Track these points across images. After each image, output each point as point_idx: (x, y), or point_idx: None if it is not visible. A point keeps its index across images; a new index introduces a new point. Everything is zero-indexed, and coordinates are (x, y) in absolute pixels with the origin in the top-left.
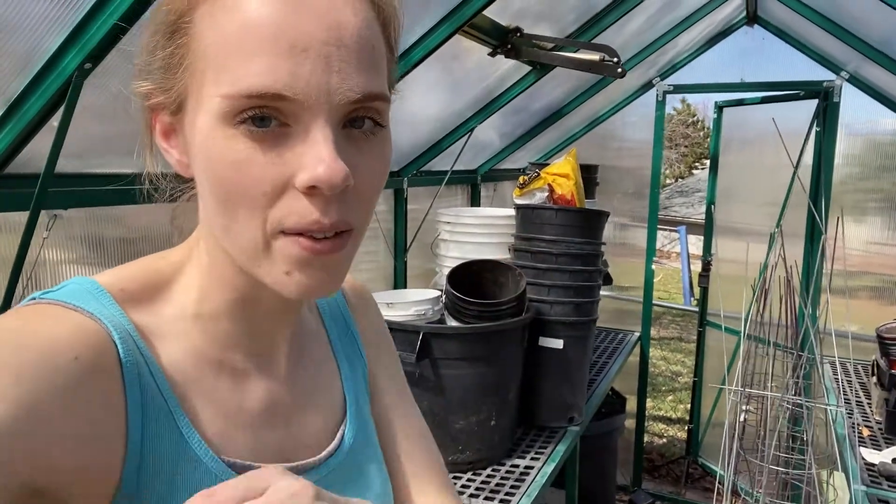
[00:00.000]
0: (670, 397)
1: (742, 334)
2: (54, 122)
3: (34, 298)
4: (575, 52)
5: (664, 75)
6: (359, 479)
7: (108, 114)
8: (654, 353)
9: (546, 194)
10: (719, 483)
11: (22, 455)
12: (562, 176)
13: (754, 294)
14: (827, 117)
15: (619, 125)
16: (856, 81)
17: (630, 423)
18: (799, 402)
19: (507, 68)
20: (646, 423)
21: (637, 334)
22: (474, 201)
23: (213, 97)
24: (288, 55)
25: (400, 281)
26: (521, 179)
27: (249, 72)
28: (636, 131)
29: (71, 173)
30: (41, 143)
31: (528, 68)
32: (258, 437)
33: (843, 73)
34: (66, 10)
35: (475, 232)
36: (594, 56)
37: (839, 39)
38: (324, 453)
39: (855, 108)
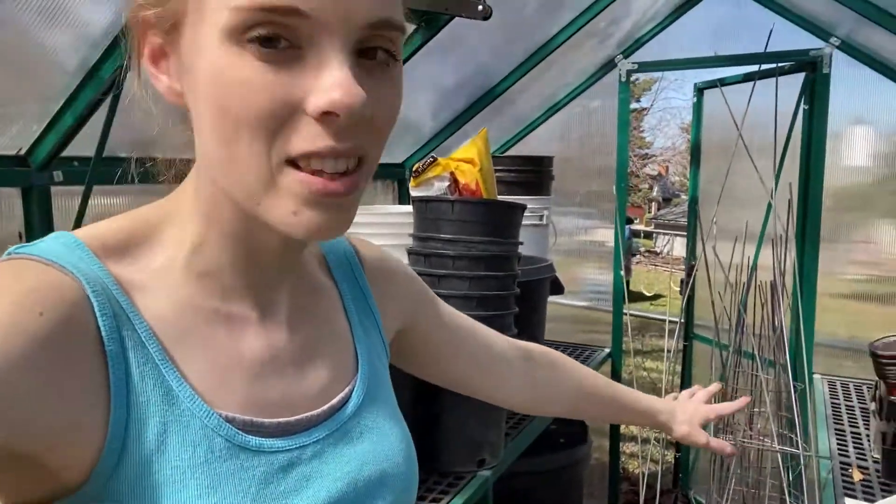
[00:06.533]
0: None
1: (713, 345)
2: None
3: (9, 253)
4: None
5: (627, 52)
6: (368, 438)
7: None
8: (641, 367)
9: (446, 184)
10: None
11: None
12: (466, 161)
13: (741, 302)
14: (815, 92)
15: (582, 111)
16: (848, 48)
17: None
18: (774, 450)
19: None
20: (625, 448)
21: (607, 350)
22: (402, 199)
23: (220, 9)
24: None
25: None
26: (415, 167)
27: None
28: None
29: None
30: None
31: (411, 27)
32: (257, 390)
33: (832, 40)
34: None
35: (369, 233)
36: None
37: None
38: (326, 407)
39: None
